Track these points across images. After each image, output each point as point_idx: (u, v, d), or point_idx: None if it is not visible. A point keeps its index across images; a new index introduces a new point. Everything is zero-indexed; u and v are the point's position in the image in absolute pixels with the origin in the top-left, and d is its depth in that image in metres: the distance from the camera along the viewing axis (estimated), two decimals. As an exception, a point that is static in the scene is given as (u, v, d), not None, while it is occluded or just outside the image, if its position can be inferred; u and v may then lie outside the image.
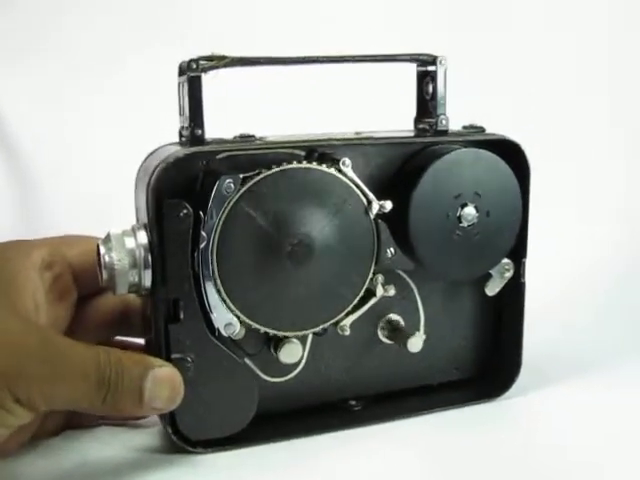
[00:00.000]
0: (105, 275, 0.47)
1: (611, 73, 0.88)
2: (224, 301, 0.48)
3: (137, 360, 0.46)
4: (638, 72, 0.88)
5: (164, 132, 0.52)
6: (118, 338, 0.56)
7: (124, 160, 0.54)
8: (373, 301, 0.53)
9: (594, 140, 0.86)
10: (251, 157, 0.49)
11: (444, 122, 0.54)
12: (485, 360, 0.60)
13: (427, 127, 0.55)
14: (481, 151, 0.53)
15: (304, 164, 0.49)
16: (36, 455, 0.51)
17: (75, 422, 0.54)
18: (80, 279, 0.51)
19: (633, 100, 0.88)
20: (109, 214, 0.57)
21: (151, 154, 0.51)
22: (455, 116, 0.55)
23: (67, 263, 0.51)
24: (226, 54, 0.47)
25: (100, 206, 0.75)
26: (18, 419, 0.44)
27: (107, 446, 0.52)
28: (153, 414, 0.50)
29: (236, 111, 0.53)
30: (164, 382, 0.46)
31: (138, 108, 0.79)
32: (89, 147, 0.82)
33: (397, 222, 0.52)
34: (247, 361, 0.51)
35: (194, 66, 0.47)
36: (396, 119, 0.57)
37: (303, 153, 0.50)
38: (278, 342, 0.52)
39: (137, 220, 0.50)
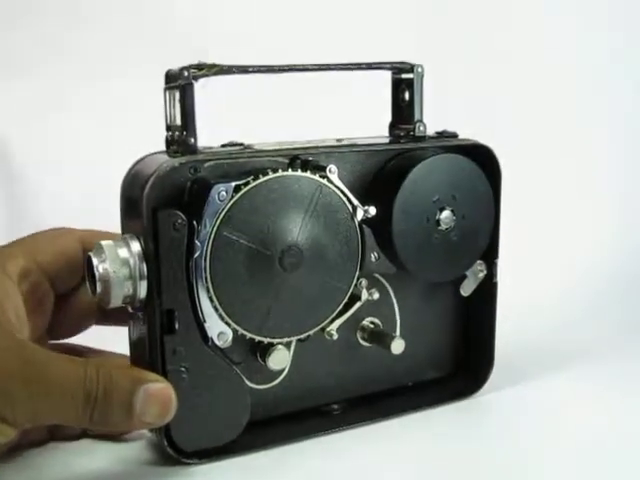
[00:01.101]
0: (99, 288, 0.46)
1: (580, 74, 0.92)
2: (217, 310, 0.48)
3: (128, 374, 0.46)
4: (612, 71, 0.92)
5: (142, 139, 0.51)
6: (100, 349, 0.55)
7: (108, 165, 0.53)
8: (358, 305, 0.54)
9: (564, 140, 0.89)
10: (238, 165, 0.49)
11: (422, 128, 0.56)
12: (458, 358, 0.62)
13: (404, 133, 0.56)
14: (457, 156, 0.55)
15: (294, 172, 0.49)
16: (19, 467, 0.50)
17: (60, 433, 0.53)
18: (56, 281, 0.51)
19: (608, 100, 0.92)
20: (92, 216, 0.56)
21: (137, 163, 0.50)
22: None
23: (43, 270, 0.50)
24: (216, 62, 0.47)
25: (84, 210, 0.74)
26: (4, 437, 0.44)
27: (93, 458, 0.51)
28: (145, 428, 0.50)
29: (210, 117, 0.52)
30: (155, 398, 0.45)
31: (121, 114, 0.77)
32: (73, 152, 0.80)
33: (380, 227, 0.53)
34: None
35: (186, 74, 0.47)
36: (364, 124, 0.58)
37: (287, 161, 0.50)
38: (265, 349, 0.52)
39: (123, 230, 0.50)
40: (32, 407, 0.43)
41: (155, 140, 0.51)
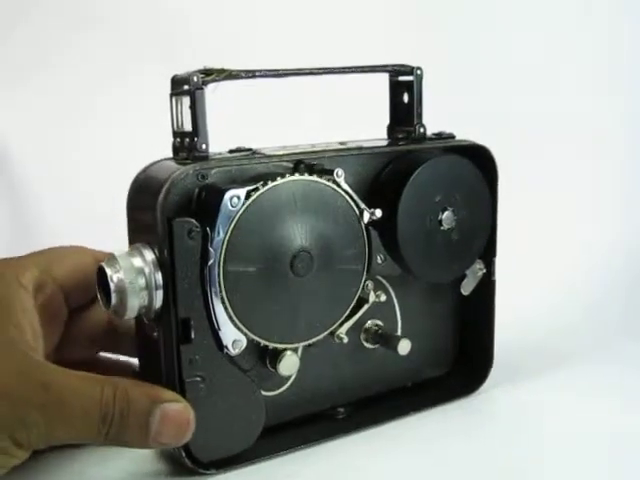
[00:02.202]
0: (114, 299, 0.45)
1: (574, 75, 0.93)
2: (231, 317, 0.48)
3: (145, 393, 0.45)
4: (606, 72, 0.93)
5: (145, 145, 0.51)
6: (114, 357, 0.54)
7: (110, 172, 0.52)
8: (366, 307, 0.54)
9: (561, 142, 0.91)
10: (245, 170, 0.48)
11: (421, 130, 0.56)
12: (458, 357, 0.63)
13: (404, 135, 0.57)
14: (457, 157, 0.55)
15: (302, 176, 0.49)
16: (28, 478, 0.49)
17: None
18: (70, 296, 0.50)
19: (606, 100, 0.93)
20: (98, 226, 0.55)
21: (144, 171, 0.49)
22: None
23: (58, 283, 0.49)
24: (224, 67, 0.47)
25: (89, 219, 0.73)
26: (18, 460, 0.43)
27: (106, 469, 0.50)
28: (161, 448, 0.49)
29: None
30: (172, 419, 0.45)
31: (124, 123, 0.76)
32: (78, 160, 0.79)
33: (385, 229, 0.53)
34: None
35: (195, 79, 0.46)
36: (360, 125, 0.58)
37: (293, 165, 0.50)
38: (274, 356, 0.51)
39: (131, 239, 0.49)
40: (47, 431, 0.42)
41: (155, 145, 0.50)
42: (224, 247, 0.46)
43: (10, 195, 0.80)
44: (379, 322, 0.57)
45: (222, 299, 0.47)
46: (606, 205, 0.90)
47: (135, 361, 0.53)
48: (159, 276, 0.45)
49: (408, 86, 0.56)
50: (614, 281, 0.83)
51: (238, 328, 0.48)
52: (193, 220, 0.45)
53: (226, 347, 0.48)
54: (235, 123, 0.61)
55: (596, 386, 0.62)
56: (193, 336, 0.47)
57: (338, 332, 0.53)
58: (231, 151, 0.50)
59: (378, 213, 0.52)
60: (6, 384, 0.42)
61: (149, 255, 0.46)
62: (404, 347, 0.56)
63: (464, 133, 0.58)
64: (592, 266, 0.85)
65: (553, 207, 0.87)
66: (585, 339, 0.72)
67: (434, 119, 0.58)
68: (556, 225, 0.86)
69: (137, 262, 0.45)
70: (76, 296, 0.50)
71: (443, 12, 0.90)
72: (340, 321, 0.53)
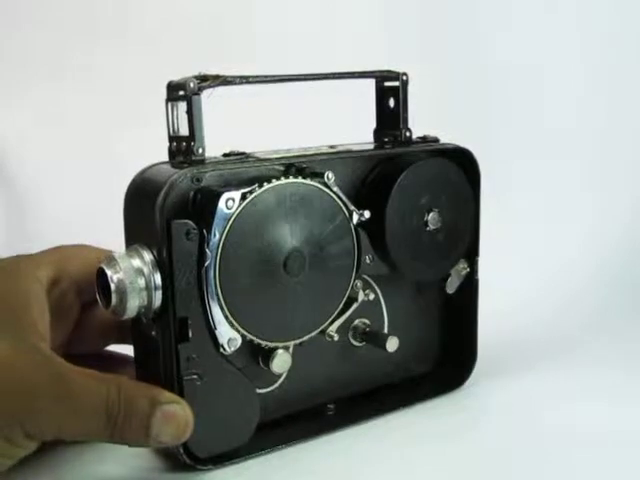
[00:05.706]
0: (114, 300, 0.46)
1: (556, 78, 0.96)
2: (227, 316, 0.49)
3: (147, 395, 0.46)
4: (588, 75, 0.96)
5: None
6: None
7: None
8: (355, 306, 0.56)
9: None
10: (238, 174, 0.50)
11: (407, 134, 0.58)
12: (443, 353, 0.64)
13: (390, 139, 0.58)
14: (442, 160, 0.57)
15: (296, 179, 0.50)
16: (29, 475, 0.50)
17: None
18: (82, 292, 0.51)
19: (592, 101, 0.96)
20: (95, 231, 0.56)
21: (141, 174, 0.50)
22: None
23: (72, 279, 0.50)
24: (219, 73, 0.48)
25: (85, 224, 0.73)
26: (26, 450, 0.45)
27: (105, 465, 0.52)
28: (160, 446, 0.50)
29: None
30: (172, 420, 0.46)
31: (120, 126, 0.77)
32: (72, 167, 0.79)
33: (373, 229, 0.55)
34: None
35: (192, 85, 0.47)
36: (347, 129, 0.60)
37: (284, 168, 0.51)
38: (267, 354, 0.53)
39: (128, 239, 0.50)
40: (58, 424, 0.43)
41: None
42: (220, 248, 0.48)
43: (9, 195, 0.81)
44: (366, 320, 0.59)
45: (218, 299, 0.48)
46: (584, 204, 0.92)
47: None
48: (158, 276, 0.46)
49: (394, 91, 0.57)
50: (593, 277, 0.86)
51: (233, 327, 0.49)
52: (191, 222, 0.47)
53: (222, 346, 0.49)
54: (227, 127, 0.62)
55: (578, 380, 0.64)
56: (191, 335, 0.48)
57: (329, 330, 0.55)
58: (225, 155, 0.51)
59: (367, 214, 0.53)
60: (22, 374, 0.43)
61: (148, 256, 0.47)
62: (392, 344, 0.57)
63: (448, 137, 0.60)
64: (577, 261, 0.88)
65: (532, 207, 0.89)
66: (565, 334, 0.74)
67: (418, 123, 0.60)
68: (536, 224, 0.88)
69: (136, 263, 0.46)
70: (88, 292, 0.51)
71: (428, 18, 0.92)
72: (330, 319, 0.55)
